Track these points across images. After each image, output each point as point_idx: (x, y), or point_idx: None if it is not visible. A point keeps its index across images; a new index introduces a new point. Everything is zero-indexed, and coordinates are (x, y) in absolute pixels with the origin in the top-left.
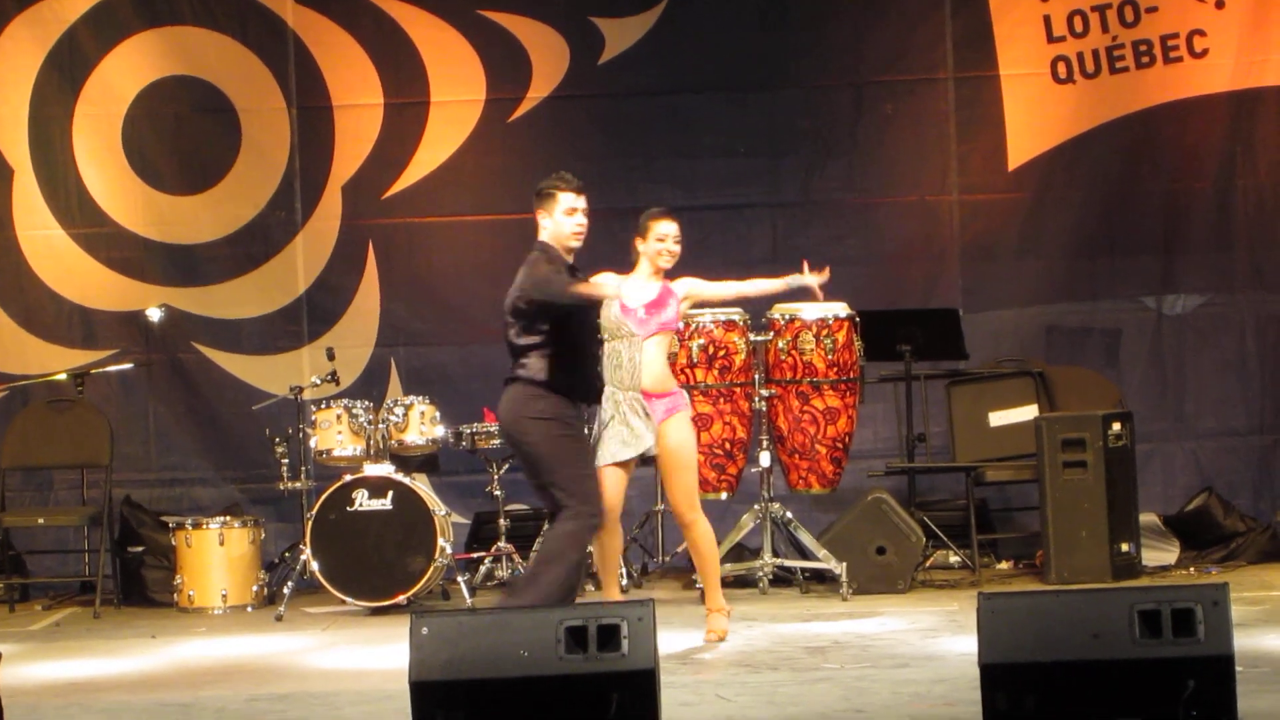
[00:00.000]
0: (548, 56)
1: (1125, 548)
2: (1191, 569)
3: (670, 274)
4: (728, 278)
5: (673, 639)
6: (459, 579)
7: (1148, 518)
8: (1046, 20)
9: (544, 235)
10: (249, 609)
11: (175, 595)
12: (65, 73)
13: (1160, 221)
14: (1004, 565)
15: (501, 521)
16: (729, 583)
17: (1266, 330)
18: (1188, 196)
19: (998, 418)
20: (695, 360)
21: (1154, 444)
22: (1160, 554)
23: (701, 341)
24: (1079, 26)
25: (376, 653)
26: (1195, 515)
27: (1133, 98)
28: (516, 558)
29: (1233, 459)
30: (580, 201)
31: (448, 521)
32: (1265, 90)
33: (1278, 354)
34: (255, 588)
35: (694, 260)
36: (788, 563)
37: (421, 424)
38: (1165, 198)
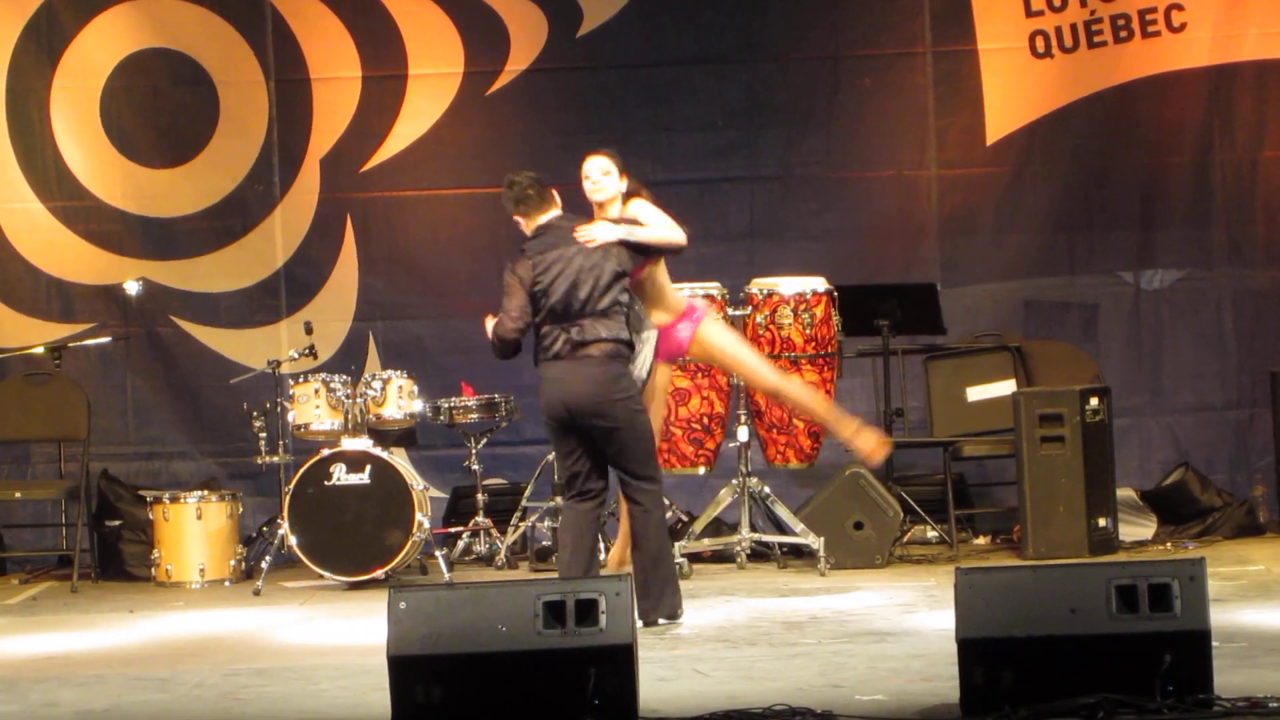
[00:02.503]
0: (526, 29)
1: (1102, 523)
2: (1168, 544)
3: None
4: (705, 251)
5: None
6: (437, 553)
7: (1125, 493)
8: None
9: None
10: (227, 583)
11: (153, 569)
12: (43, 45)
13: (1138, 196)
14: (981, 540)
15: (479, 496)
16: (706, 558)
17: (1244, 305)
18: (1165, 171)
19: (975, 393)
20: None
21: (1131, 419)
22: (1137, 529)
23: None
24: (1057, 1)
25: (354, 627)
26: (1172, 490)
27: (1111, 72)
28: (494, 532)
29: (1210, 434)
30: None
31: (425, 496)
32: (1242, 65)
33: (1255, 329)
34: (233, 562)
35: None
36: (765, 538)
37: (399, 398)
38: (1143, 172)
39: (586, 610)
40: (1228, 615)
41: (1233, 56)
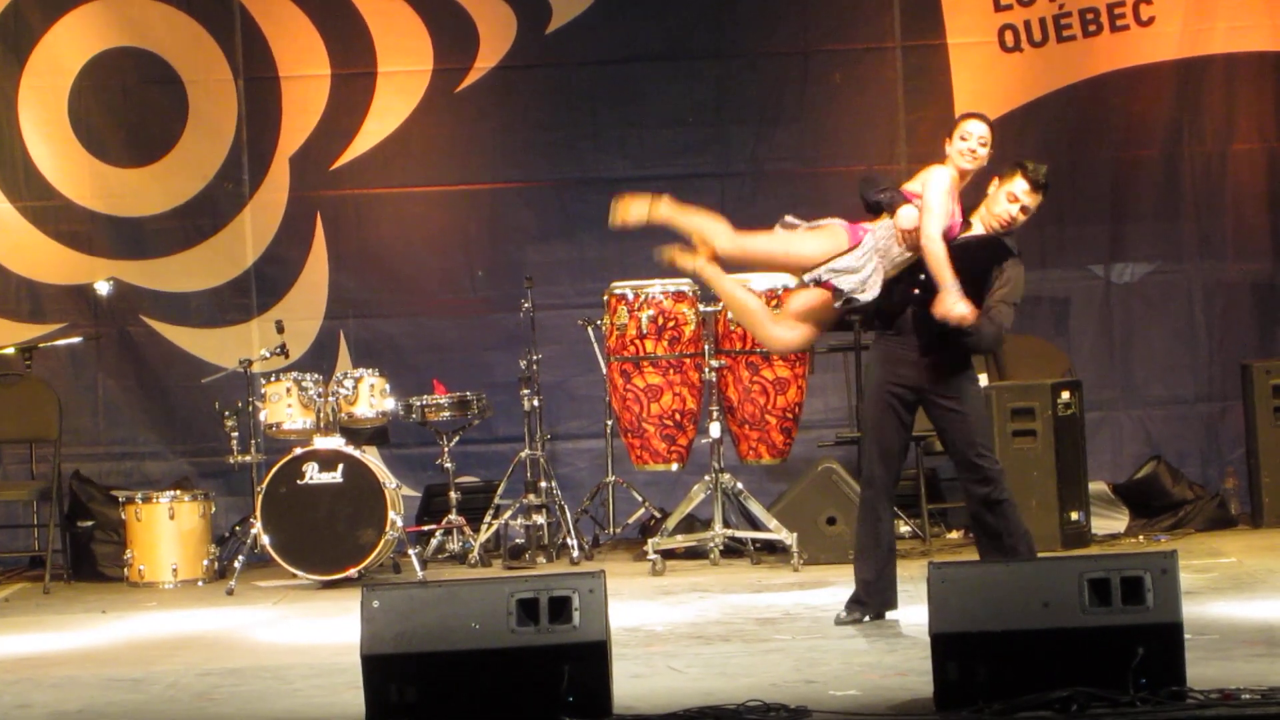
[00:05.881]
0: (495, 26)
1: (1075, 516)
2: (1140, 537)
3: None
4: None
5: (624, 610)
6: (410, 552)
7: (1097, 486)
8: None
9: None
10: (200, 583)
11: (125, 570)
12: (10, 45)
13: (1108, 190)
14: (954, 534)
15: (452, 494)
16: (679, 554)
17: (1214, 298)
18: (1135, 165)
19: None
20: (645, 331)
21: (1103, 412)
22: (1109, 522)
23: (651, 313)
24: None
25: (328, 626)
26: (1144, 483)
27: (1080, 66)
28: (467, 530)
29: (1181, 427)
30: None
31: (398, 494)
32: (1211, 58)
33: (1225, 322)
34: (206, 562)
35: (642, 231)
36: (739, 533)
37: (371, 396)
38: (1113, 166)
39: (560, 607)
40: (1200, 608)
41: (1201, 50)
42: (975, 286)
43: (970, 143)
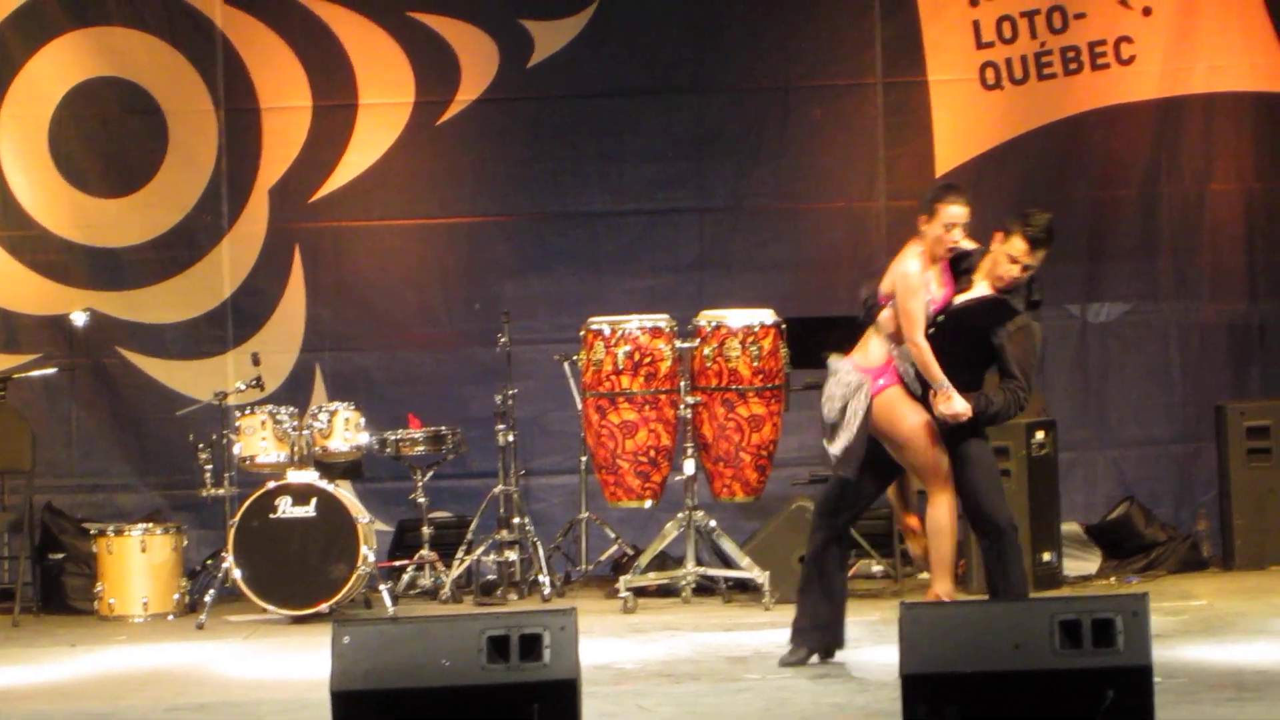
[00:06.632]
0: (477, 59)
1: (1047, 557)
2: (1112, 578)
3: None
4: (654, 282)
5: (595, 648)
6: (381, 587)
7: (1070, 527)
8: (975, 26)
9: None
10: (170, 617)
11: (96, 603)
12: None
13: (1086, 228)
14: (926, 575)
15: (425, 529)
16: (651, 592)
17: (1189, 339)
18: (1113, 204)
19: None
20: (621, 367)
21: (1077, 452)
22: (1082, 563)
23: (627, 348)
24: (1008, 32)
25: (298, 661)
26: (1117, 524)
27: (1060, 104)
28: (439, 566)
29: (1155, 468)
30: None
31: (371, 529)
32: (1191, 98)
33: (1200, 363)
34: (177, 595)
35: (620, 266)
36: (711, 571)
37: (346, 430)
38: (1091, 205)
39: (531, 645)
40: (1170, 651)
41: (1181, 90)
42: (980, 350)
43: (954, 234)
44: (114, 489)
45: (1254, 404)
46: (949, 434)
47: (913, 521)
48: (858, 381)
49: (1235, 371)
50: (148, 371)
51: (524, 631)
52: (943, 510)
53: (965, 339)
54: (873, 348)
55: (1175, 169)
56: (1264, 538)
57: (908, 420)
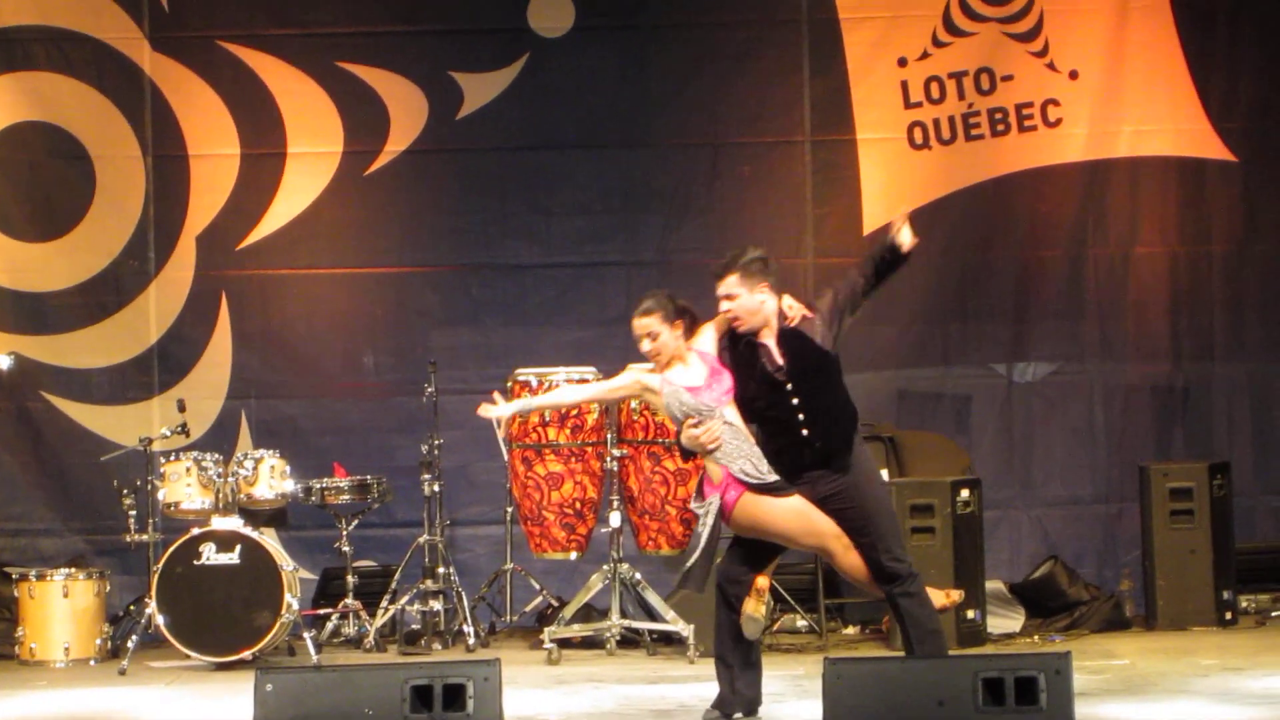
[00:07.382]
0: (406, 110)
1: (971, 615)
2: (1036, 637)
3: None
4: (582, 334)
5: (519, 699)
6: (305, 635)
7: (994, 585)
8: (904, 86)
9: None
10: (92, 662)
11: (16, 648)
12: None
13: (1012, 289)
14: (851, 630)
15: (349, 578)
16: (576, 643)
17: (1114, 399)
18: (1040, 265)
19: None
20: (548, 419)
21: (1001, 510)
22: (1006, 621)
23: None
24: (936, 93)
25: (221, 708)
26: (1040, 583)
27: (988, 165)
28: (363, 614)
29: (1078, 527)
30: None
31: (295, 577)
32: (1117, 161)
33: (1124, 423)
34: (99, 641)
35: (548, 318)
36: (636, 624)
37: (271, 478)
38: (1018, 265)
39: (454, 695)
40: (1092, 709)
41: (1107, 153)
42: (817, 358)
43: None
44: (37, 533)
45: (1177, 465)
46: (820, 499)
47: (761, 581)
48: (711, 504)
49: (1159, 433)
50: (72, 416)
51: (448, 681)
52: (852, 555)
53: (799, 362)
54: (709, 470)
55: (1101, 231)
56: (1186, 598)
57: (772, 515)
